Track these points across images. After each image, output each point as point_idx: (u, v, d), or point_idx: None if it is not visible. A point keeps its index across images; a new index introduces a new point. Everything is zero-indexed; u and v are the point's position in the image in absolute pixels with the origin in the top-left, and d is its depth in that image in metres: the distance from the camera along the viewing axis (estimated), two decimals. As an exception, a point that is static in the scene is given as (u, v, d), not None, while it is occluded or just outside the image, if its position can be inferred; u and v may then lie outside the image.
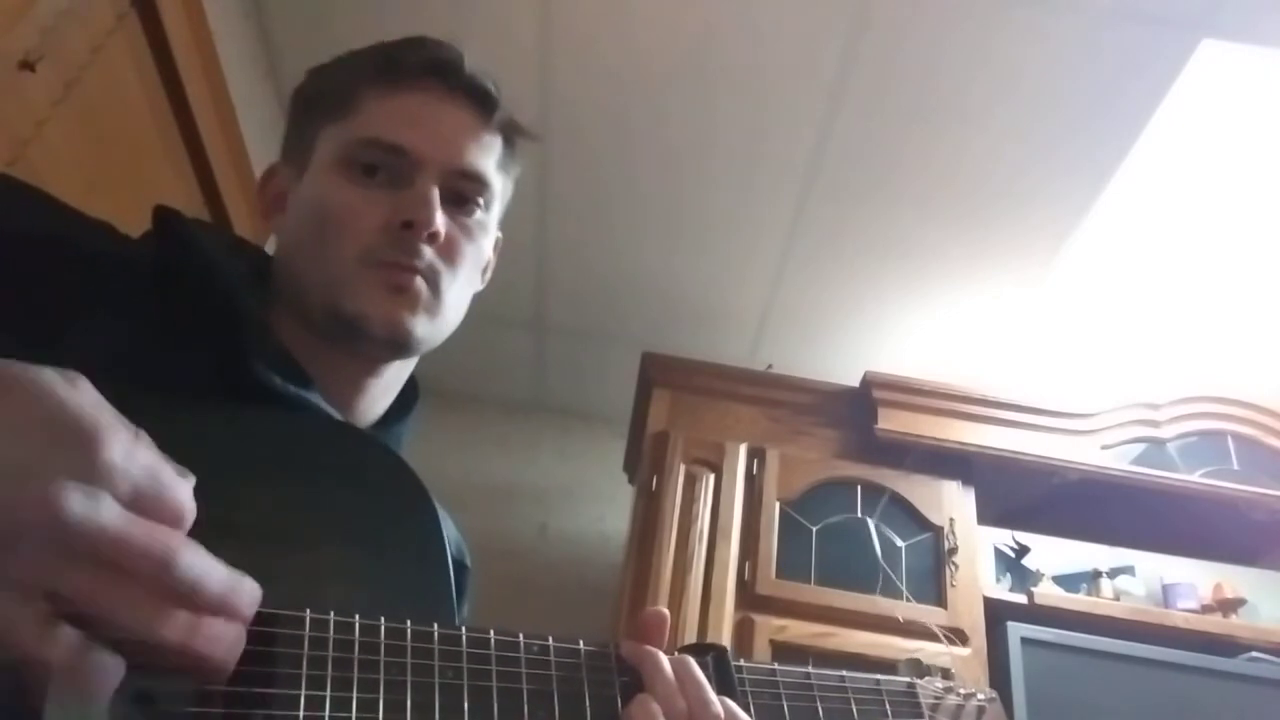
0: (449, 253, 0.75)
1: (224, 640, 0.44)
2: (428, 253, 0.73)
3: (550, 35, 2.13)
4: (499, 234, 0.86)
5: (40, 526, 0.39)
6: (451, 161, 0.76)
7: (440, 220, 0.73)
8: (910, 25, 2.01)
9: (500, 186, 0.82)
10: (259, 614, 0.49)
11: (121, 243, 0.72)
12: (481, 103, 0.79)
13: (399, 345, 0.75)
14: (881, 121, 2.23)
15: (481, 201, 0.79)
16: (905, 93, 2.16)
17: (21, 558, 0.39)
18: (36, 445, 0.40)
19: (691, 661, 0.64)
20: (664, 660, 0.62)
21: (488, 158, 0.79)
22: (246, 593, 0.46)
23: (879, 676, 0.74)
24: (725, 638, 2.01)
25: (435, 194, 0.74)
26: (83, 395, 0.43)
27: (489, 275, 0.87)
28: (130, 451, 0.43)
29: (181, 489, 0.45)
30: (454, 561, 0.65)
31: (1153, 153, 2.20)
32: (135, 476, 0.42)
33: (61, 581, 0.39)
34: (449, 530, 0.69)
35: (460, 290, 0.78)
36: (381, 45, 0.81)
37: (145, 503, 0.42)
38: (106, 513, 0.40)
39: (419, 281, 0.73)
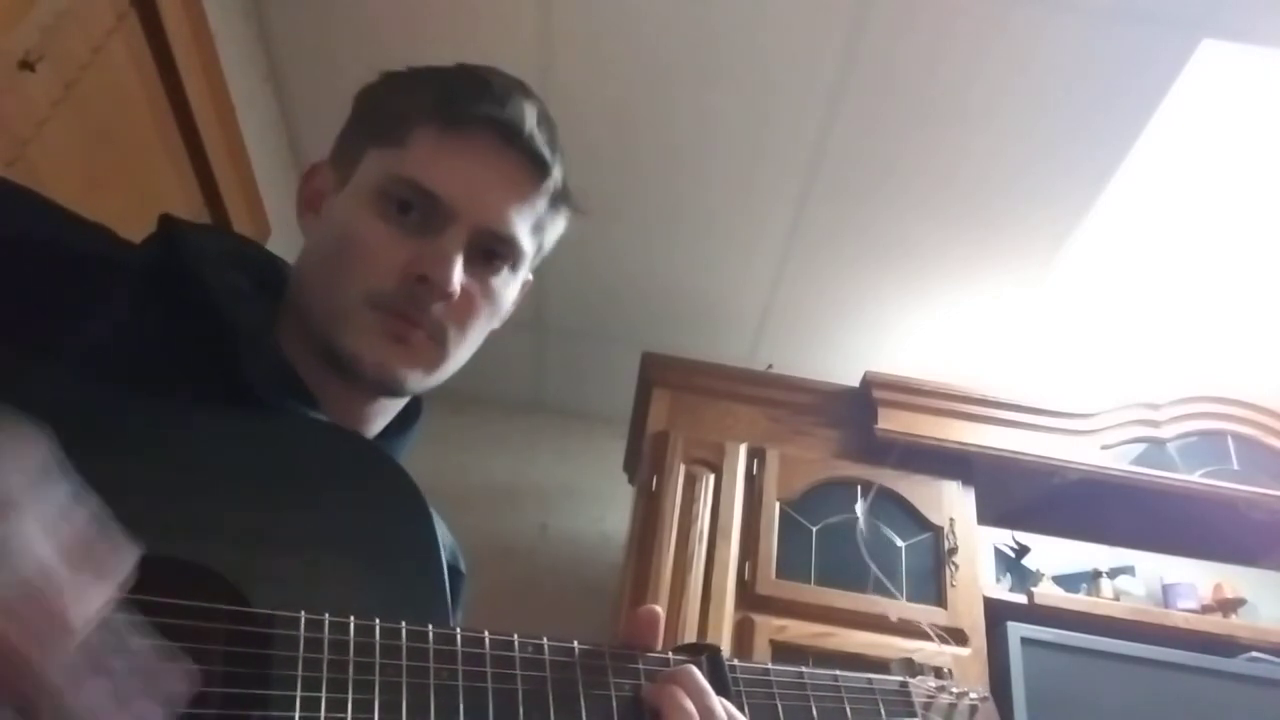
0: (462, 313, 0.74)
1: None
2: (438, 310, 0.72)
3: (550, 35, 2.13)
4: (529, 277, 0.84)
5: None
6: (486, 221, 0.74)
7: (457, 280, 0.71)
8: (910, 25, 2.01)
9: (533, 248, 0.80)
10: (255, 615, 0.49)
11: (120, 247, 0.71)
12: (535, 167, 0.76)
13: (389, 390, 0.74)
14: (881, 121, 2.23)
15: (509, 263, 0.77)
16: (905, 93, 2.16)
17: None
18: None
19: (719, 707, 0.62)
20: (690, 705, 0.61)
21: (524, 221, 0.76)
22: (172, 684, 0.43)
23: (872, 676, 0.74)
24: (725, 638, 2.01)
25: (459, 253, 0.72)
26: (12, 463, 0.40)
27: (510, 313, 0.85)
28: (50, 520, 0.40)
29: (112, 563, 0.42)
30: (448, 566, 0.65)
31: (1153, 153, 2.19)
32: (45, 554, 0.40)
33: None
34: (443, 535, 0.69)
35: (468, 346, 0.77)
36: (448, 77, 0.79)
37: (51, 588, 0.39)
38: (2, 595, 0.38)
39: (421, 335, 0.72)
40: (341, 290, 0.72)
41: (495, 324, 0.81)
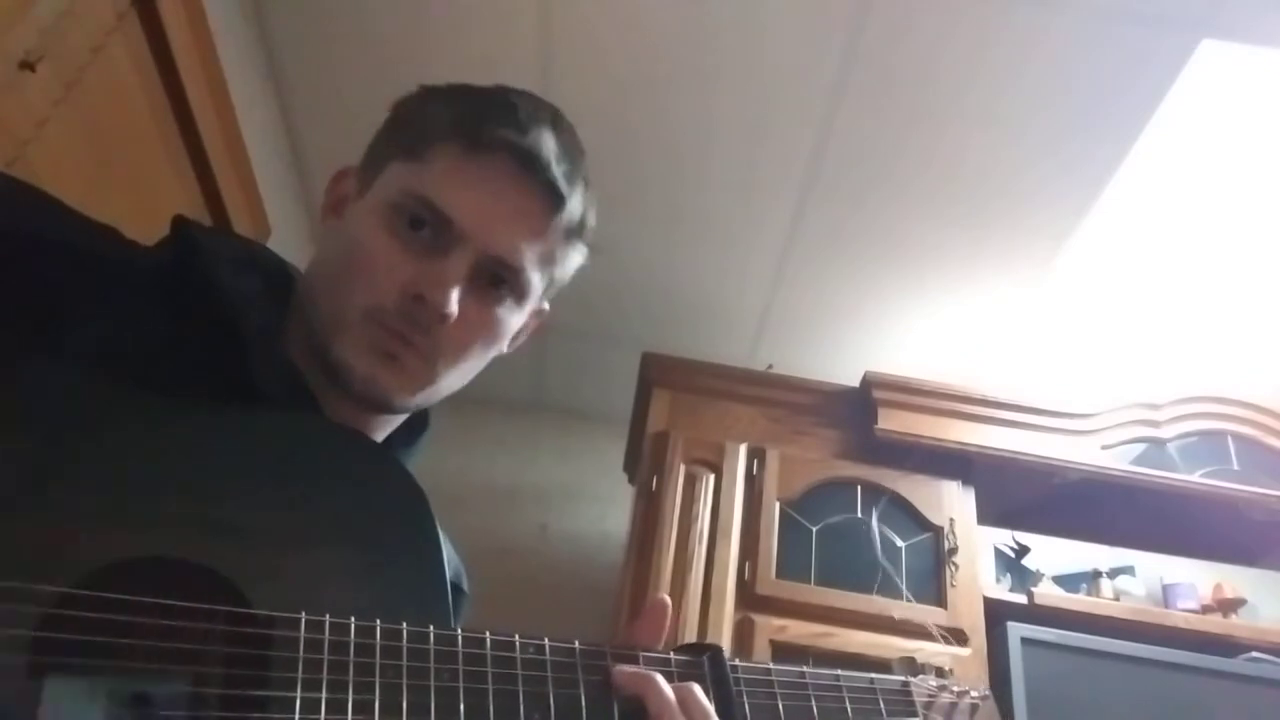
0: (457, 337, 0.74)
1: None
2: (434, 331, 0.72)
3: (551, 35, 2.13)
4: (545, 305, 0.84)
5: None
6: (493, 248, 0.73)
7: (454, 304, 0.71)
8: (910, 25, 2.01)
9: (542, 282, 0.79)
10: (255, 616, 0.49)
11: (128, 247, 0.72)
12: (550, 199, 0.75)
13: (375, 406, 0.74)
14: (881, 121, 2.23)
15: (515, 293, 0.76)
16: (905, 93, 2.16)
17: None
18: None
19: (696, 689, 0.63)
20: (666, 688, 0.62)
21: (533, 253, 0.76)
22: None
23: (873, 675, 0.75)
24: (725, 638, 2.01)
25: (461, 277, 0.72)
26: None
27: (521, 340, 0.85)
28: None
29: None
30: (451, 585, 0.65)
31: (1153, 153, 2.19)
32: None
33: None
34: (448, 553, 0.69)
35: (462, 371, 0.77)
36: (477, 98, 0.78)
37: None
38: None
39: (413, 355, 0.72)
40: (343, 300, 0.72)
41: (497, 351, 0.80)
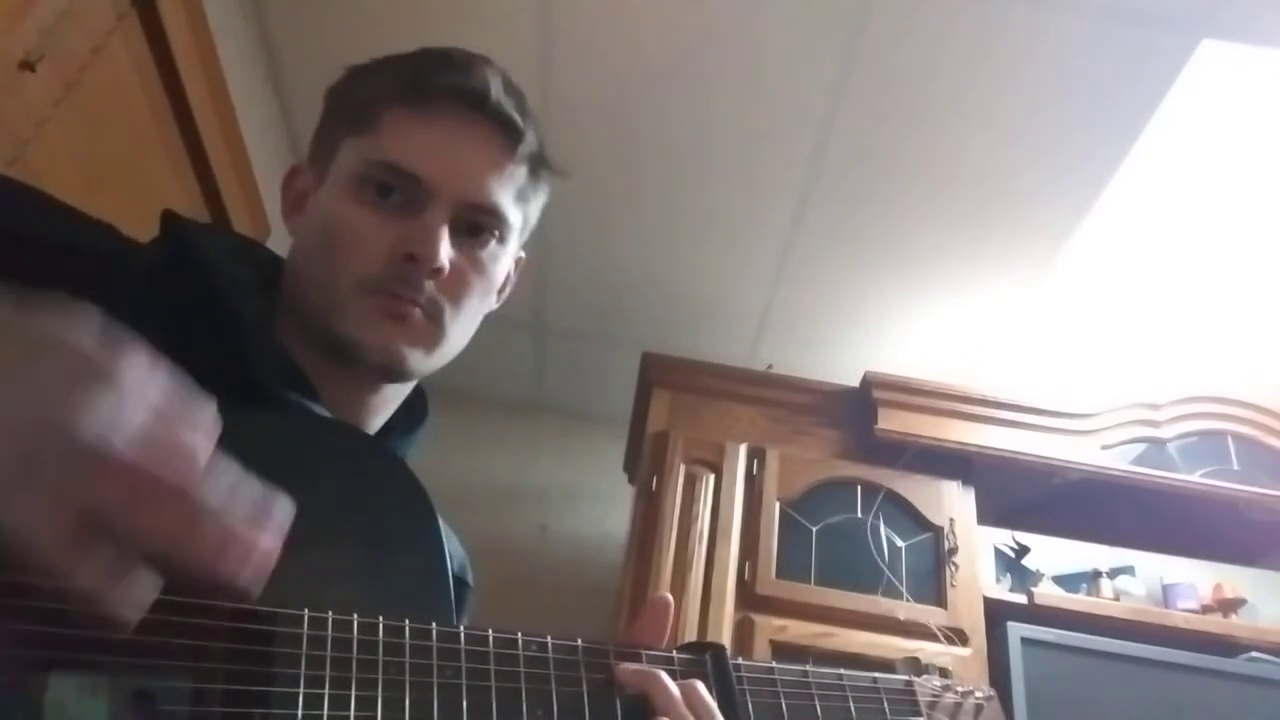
0: (454, 287, 0.74)
1: (251, 562, 0.45)
2: (429, 287, 0.72)
3: (550, 35, 2.13)
4: (522, 254, 0.85)
5: (61, 449, 0.40)
6: (466, 194, 0.74)
7: (445, 255, 0.72)
8: (910, 25, 2.01)
9: (519, 219, 0.80)
10: (257, 613, 0.49)
11: (124, 244, 0.71)
12: (506, 133, 0.76)
13: (393, 373, 0.74)
14: (881, 121, 2.23)
15: (496, 234, 0.77)
16: (905, 93, 2.16)
17: (48, 473, 0.40)
18: (51, 376, 0.42)
19: (700, 686, 0.63)
20: (671, 684, 0.62)
21: (505, 190, 0.76)
22: (278, 510, 0.47)
23: (877, 675, 0.74)
24: (725, 638, 2.01)
25: (444, 228, 0.72)
26: (90, 325, 0.44)
27: (507, 293, 0.85)
28: (145, 377, 0.44)
29: (202, 408, 0.46)
30: (455, 578, 0.65)
31: (1152, 153, 2.19)
32: (151, 398, 0.44)
33: (90, 495, 0.40)
34: (453, 547, 0.69)
35: (465, 322, 0.77)
36: (410, 59, 0.79)
37: (166, 423, 0.43)
38: (126, 434, 0.41)
39: (418, 313, 0.72)
40: (333, 280, 0.72)
41: (491, 300, 0.81)
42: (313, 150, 0.81)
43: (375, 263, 0.71)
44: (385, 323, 0.72)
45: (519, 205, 0.79)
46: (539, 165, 0.81)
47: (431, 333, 0.74)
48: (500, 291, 0.83)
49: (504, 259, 0.80)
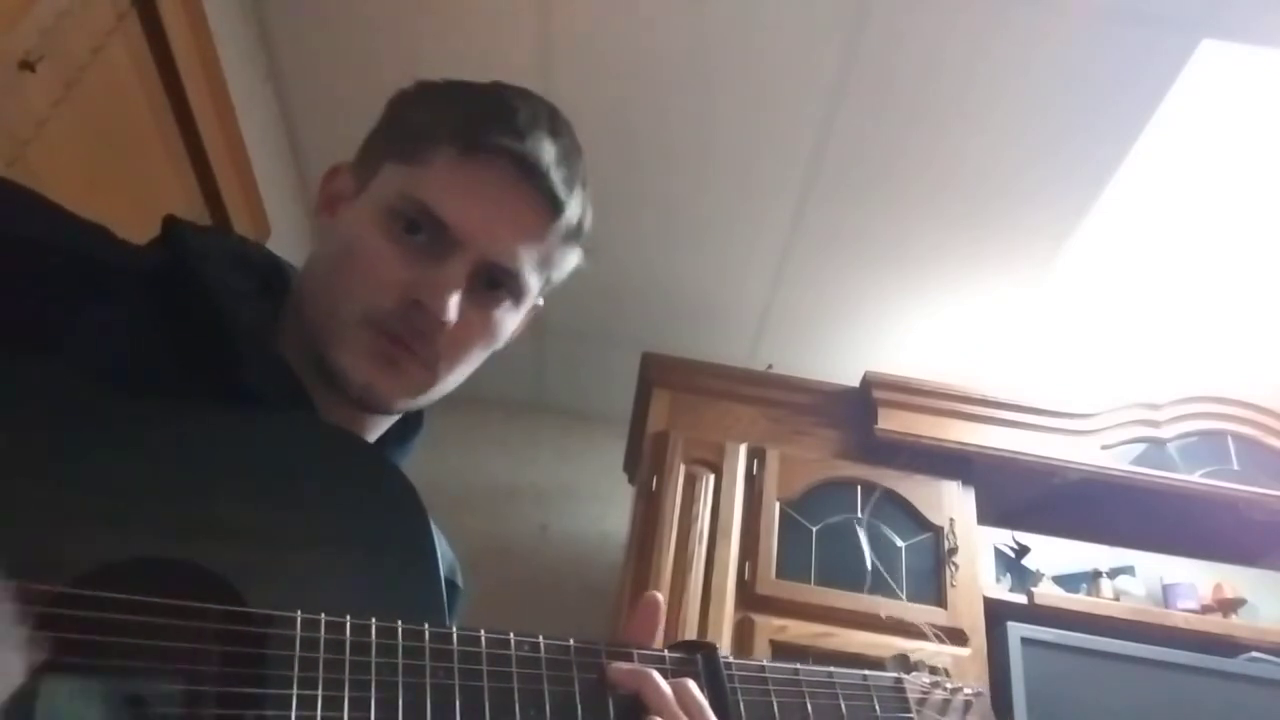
0: (457, 342, 0.73)
1: None
2: (433, 337, 0.72)
3: (550, 35, 2.13)
4: (540, 301, 0.83)
5: None
6: (492, 254, 0.73)
7: (454, 312, 0.70)
8: (910, 25, 2.01)
9: (539, 283, 0.79)
10: (252, 615, 0.49)
11: (119, 247, 0.71)
12: (549, 205, 0.75)
13: (373, 410, 0.74)
14: (881, 121, 2.23)
15: (512, 296, 0.76)
16: (905, 93, 2.16)
17: None
18: None
19: (692, 684, 0.64)
20: (663, 683, 0.62)
21: (531, 258, 0.75)
22: None
23: (866, 672, 0.75)
24: (725, 638, 2.01)
25: (460, 283, 0.71)
26: None
27: (516, 335, 0.84)
28: None
29: None
30: (445, 581, 0.65)
31: (1152, 153, 2.19)
32: None
33: None
34: (442, 549, 0.69)
35: (461, 372, 0.76)
36: (477, 99, 0.78)
37: None
38: None
39: (412, 361, 0.72)
40: (340, 304, 0.72)
41: (493, 349, 0.80)
42: (360, 155, 0.79)
43: (384, 298, 0.71)
44: (377, 362, 0.71)
45: (541, 270, 0.78)
46: (573, 238, 0.80)
47: (423, 380, 0.74)
48: (506, 339, 0.82)
49: (515, 315, 0.79)
